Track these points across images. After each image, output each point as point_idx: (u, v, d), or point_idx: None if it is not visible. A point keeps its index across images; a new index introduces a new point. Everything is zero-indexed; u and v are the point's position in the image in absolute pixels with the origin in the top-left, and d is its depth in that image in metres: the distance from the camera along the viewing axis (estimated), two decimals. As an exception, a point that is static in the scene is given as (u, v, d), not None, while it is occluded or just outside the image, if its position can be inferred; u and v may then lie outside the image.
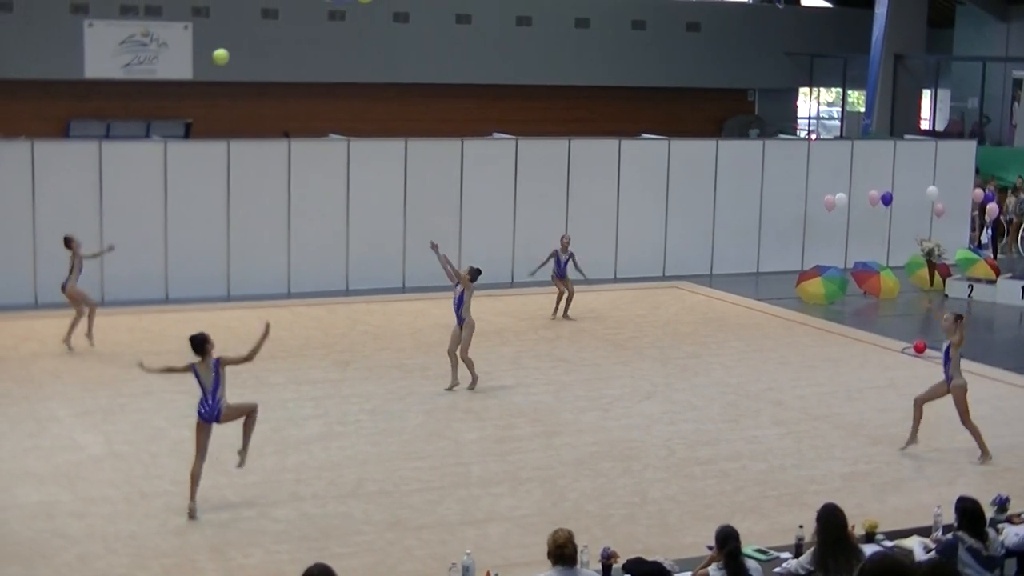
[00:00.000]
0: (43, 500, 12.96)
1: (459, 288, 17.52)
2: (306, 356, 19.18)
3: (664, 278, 26.09)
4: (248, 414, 13.00)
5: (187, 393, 16.66)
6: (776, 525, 12.38)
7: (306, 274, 23.73)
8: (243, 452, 13.00)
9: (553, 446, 15.07)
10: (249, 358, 12.76)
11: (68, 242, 19.46)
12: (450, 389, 17.33)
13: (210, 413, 12.64)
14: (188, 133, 34.86)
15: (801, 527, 10.45)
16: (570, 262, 22.19)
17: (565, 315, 22.09)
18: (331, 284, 23.90)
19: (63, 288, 19.24)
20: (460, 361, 17.44)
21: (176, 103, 35.48)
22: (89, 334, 19.21)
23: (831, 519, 9.61)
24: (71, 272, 19.24)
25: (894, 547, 10.48)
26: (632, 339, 20.77)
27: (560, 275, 22.20)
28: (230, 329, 20.60)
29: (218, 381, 12.61)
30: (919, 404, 15.20)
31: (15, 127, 29.97)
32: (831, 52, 42.76)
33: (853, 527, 10.08)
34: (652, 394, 17.43)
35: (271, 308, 22.24)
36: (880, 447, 15.30)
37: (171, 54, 34.36)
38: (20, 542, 11.86)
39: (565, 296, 22.15)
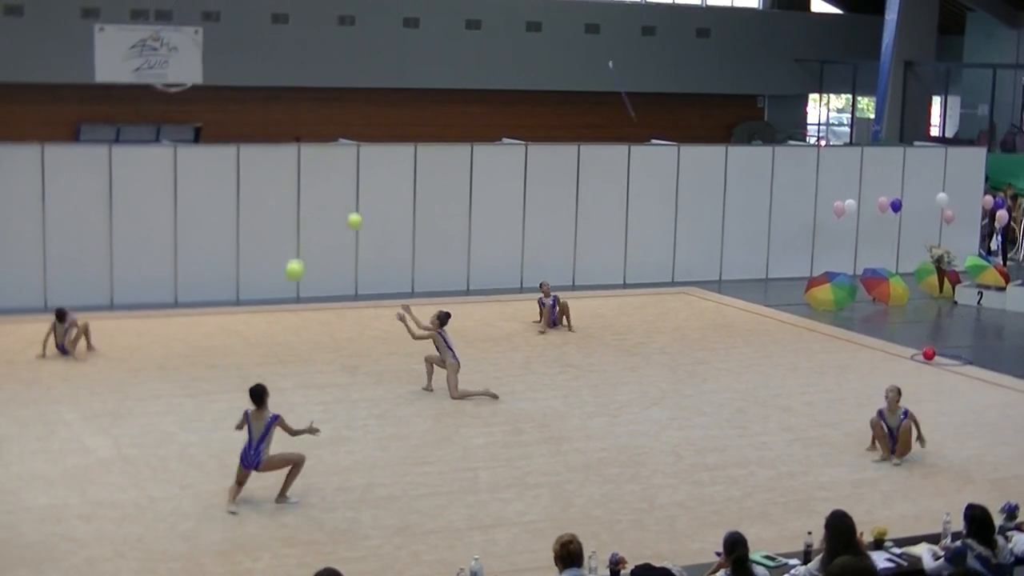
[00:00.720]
0: (51, 503, 12.97)
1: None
2: (315, 360, 19.17)
3: (673, 284, 26.06)
4: (294, 464, 13.15)
5: (194, 397, 16.75)
6: (784, 532, 12.36)
7: (315, 279, 23.70)
8: (281, 497, 13.07)
9: (561, 451, 15.06)
10: (294, 433, 13.22)
11: (63, 315, 19.00)
12: (426, 389, 17.46)
13: (250, 461, 12.92)
14: (198, 138, 34.94)
15: (810, 534, 10.43)
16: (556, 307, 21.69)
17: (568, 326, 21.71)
18: (340, 289, 23.91)
19: (62, 349, 18.85)
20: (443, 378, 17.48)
21: (186, 108, 35.49)
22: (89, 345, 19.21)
23: (840, 526, 9.60)
24: (68, 339, 18.82)
25: (903, 554, 10.47)
26: (640, 345, 20.75)
27: (555, 323, 21.59)
28: (239, 333, 20.66)
29: (266, 434, 12.94)
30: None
31: (25, 131, 30.04)
32: (841, 58, 42.79)
33: (862, 534, 10.08)
34: (660, 400, 17.41)
35: (280, 312, 22.28)
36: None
37: (181, 59, 34.25)
38: (28, 545, 11.87)
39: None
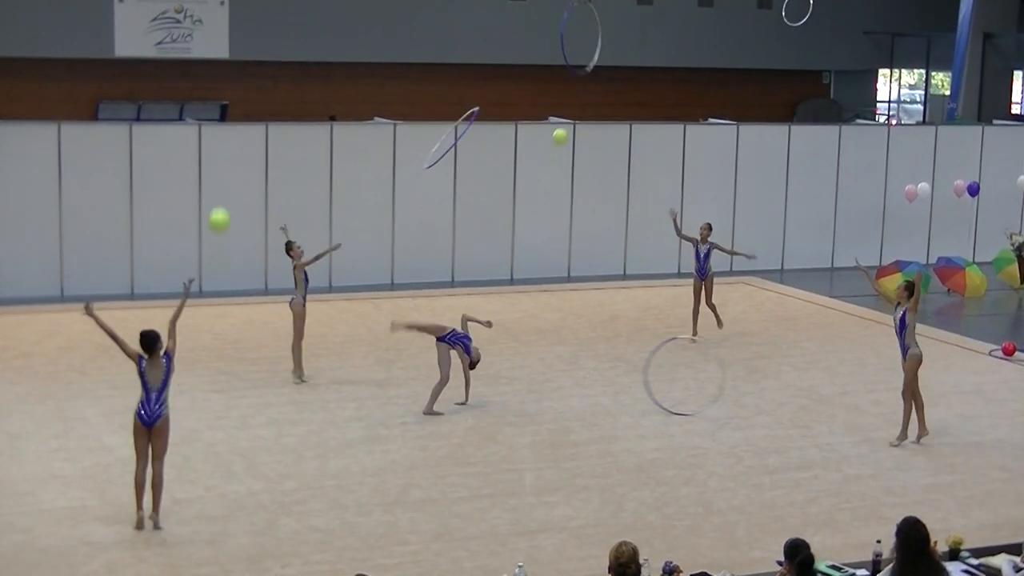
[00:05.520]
0: (69, 505, 13.07)
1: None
2: (349, 354, 19.25)
3: (732, 273, 25.94)
4: (158, 463, 12.53)
5: (221, 392, 16.84)
6: (851, 540, 12.32)
7: (349, 267, 23.81)
8: (155, 515, 12.48)
9: (611, 452, 15.06)
10: (175, 318, 12.83)
11: (290, 247, 17.99)
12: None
13: (150, 416, 12.40)
14: (224, 116, 35.05)
15: (879, 542, 10.40)
16: (710, 255, 20.63)
17: (718, 323, 20.81)
18: (375, 277, 24.01)
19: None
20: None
21: (211, 84, 35.68)
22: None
23: (912, 534, 9.52)
24: (297, 285, 17.98)
25: (981, 565, 10.40)
26: (696, 338, 20.69)
27: (701, 274, 20.63)
28: (268, 325, 20.76)
29: (167, 380, 12.44)
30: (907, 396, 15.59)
31: (43, 110, 30.28)
32: (914, 31, 42.47)
33: (936, 543, 10.00)
34: (718, 397, 17.37)
35: (311, 302, 22.28)
36: (965, 456, 15.18)
37: (206, 32, 34.55)
38: (45, 549, 11.97)
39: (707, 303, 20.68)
